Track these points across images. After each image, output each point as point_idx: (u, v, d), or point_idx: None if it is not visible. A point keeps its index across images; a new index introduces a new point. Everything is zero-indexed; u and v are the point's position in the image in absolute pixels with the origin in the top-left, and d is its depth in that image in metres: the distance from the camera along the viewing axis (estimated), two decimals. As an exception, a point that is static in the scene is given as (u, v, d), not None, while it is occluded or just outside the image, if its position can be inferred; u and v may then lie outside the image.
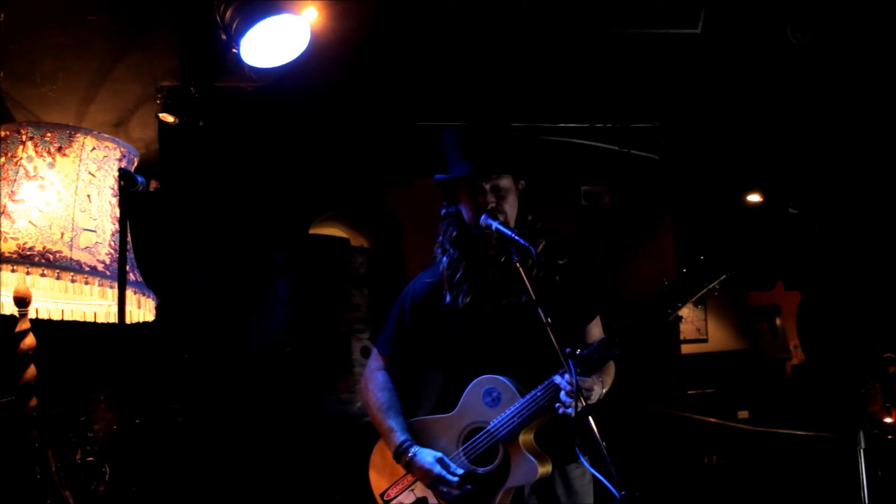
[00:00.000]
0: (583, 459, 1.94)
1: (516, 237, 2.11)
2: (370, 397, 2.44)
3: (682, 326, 6.32)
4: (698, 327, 6.93)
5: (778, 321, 7.38)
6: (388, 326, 2.47)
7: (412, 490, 2.32)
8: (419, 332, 2.40)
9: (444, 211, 2.42)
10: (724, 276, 2.06)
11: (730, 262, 2.07)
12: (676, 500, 4.16)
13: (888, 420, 3.99)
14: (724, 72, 3.59)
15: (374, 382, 2.45)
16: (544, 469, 2.20)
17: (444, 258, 2.37)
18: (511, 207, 2.28)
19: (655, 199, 4.85)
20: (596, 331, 2.39)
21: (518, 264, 2.09)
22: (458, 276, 2.32)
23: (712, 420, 4.36)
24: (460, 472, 2.22)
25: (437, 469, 2.22)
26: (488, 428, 2.22)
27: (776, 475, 3.96)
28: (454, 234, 2.37)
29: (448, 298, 2.32)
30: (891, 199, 4.27)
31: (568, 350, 2.00)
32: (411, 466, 2.27)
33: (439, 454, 2.25)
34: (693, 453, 4.23)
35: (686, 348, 6.13)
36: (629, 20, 3.25)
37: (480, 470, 2.23)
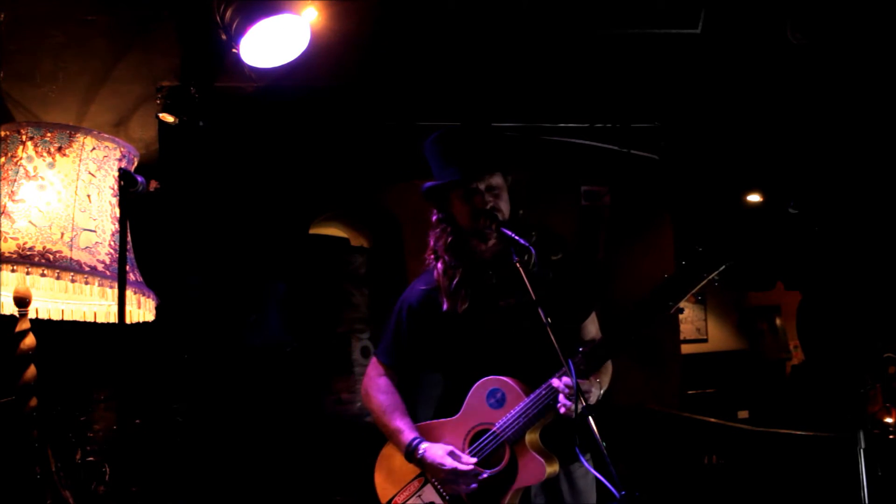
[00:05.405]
0: (583, 459, 1.95)
1: (516, 237, 2.11)
2: (374, 402, 2.46)
3: (682, 326, 6.32)
4: (698, 327, 6.93)
5: (778, 321, 7.38)
6: (387, 336, 2.48)
7: (419, 496, 2.32)
8: (418, 341, 2.41)
9: (435, 217, 2.41)
10: (723, 267, 2.00)
11: (729, 252, 2.02)
12: (676, 500, 4.16)
13: (888, 420, 3.98)
14: (724, 72, 3.58)
15: (376, 387, 2.47)
16: (552, 469, 2.20)
17: (439, 264, 2.36)
18: (506, 204, 2.28)
19: (655, 199, 4.85)
20: (592, 328, 2.39)
21: (518, 264, 2.09)
22: (454, 282, 2.31)
23: (712, 420, 4.36)
24: (473, 460, 2.23)
25: (450, 462, 2.22)
26: (494, 429, 2.22)
27: (776, 475, 3.96)
28: (449, 240, 2.35)
29: (446, 306, 2.32)
30: (891, 198, 4.26)
31: (580, 350, 2.01)
32: (423, 463, 2.27)
33: (450, 447, 2.26)
34: (693, 453, 4.23)
35: (686, 348, 6.13)
36: (629, 20, 3.25)
37: (487, 473, 2.22)
